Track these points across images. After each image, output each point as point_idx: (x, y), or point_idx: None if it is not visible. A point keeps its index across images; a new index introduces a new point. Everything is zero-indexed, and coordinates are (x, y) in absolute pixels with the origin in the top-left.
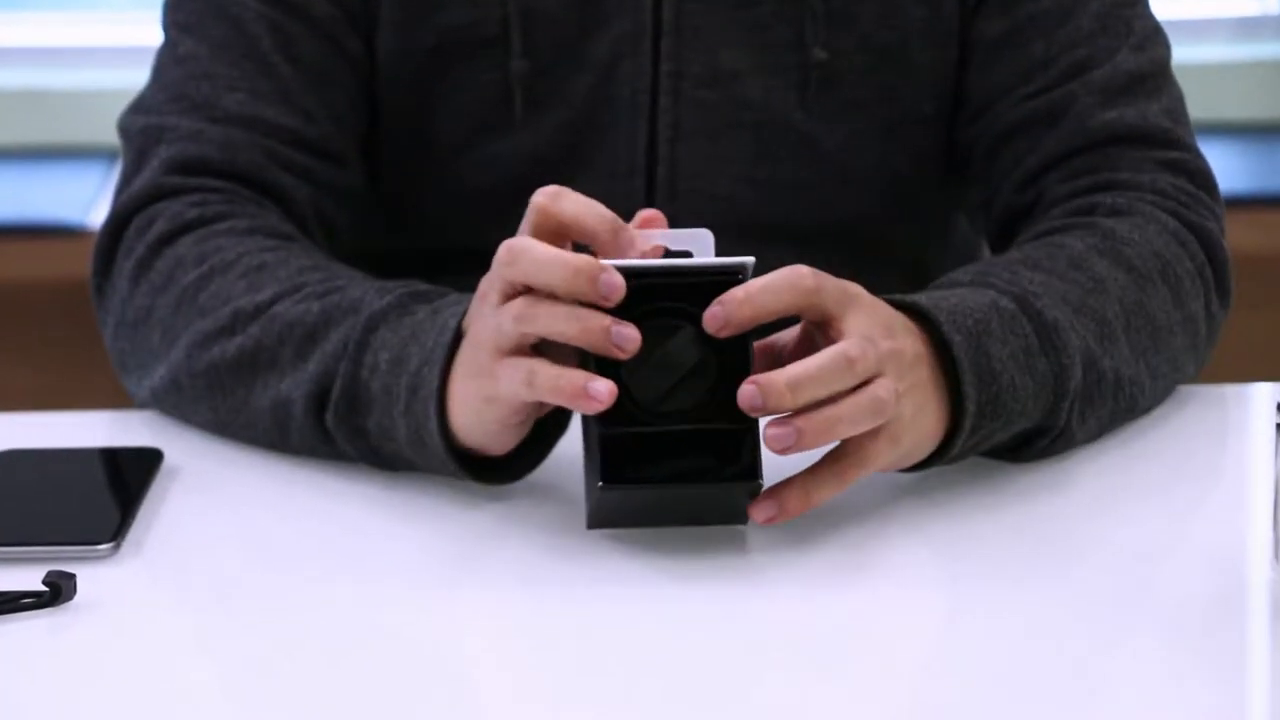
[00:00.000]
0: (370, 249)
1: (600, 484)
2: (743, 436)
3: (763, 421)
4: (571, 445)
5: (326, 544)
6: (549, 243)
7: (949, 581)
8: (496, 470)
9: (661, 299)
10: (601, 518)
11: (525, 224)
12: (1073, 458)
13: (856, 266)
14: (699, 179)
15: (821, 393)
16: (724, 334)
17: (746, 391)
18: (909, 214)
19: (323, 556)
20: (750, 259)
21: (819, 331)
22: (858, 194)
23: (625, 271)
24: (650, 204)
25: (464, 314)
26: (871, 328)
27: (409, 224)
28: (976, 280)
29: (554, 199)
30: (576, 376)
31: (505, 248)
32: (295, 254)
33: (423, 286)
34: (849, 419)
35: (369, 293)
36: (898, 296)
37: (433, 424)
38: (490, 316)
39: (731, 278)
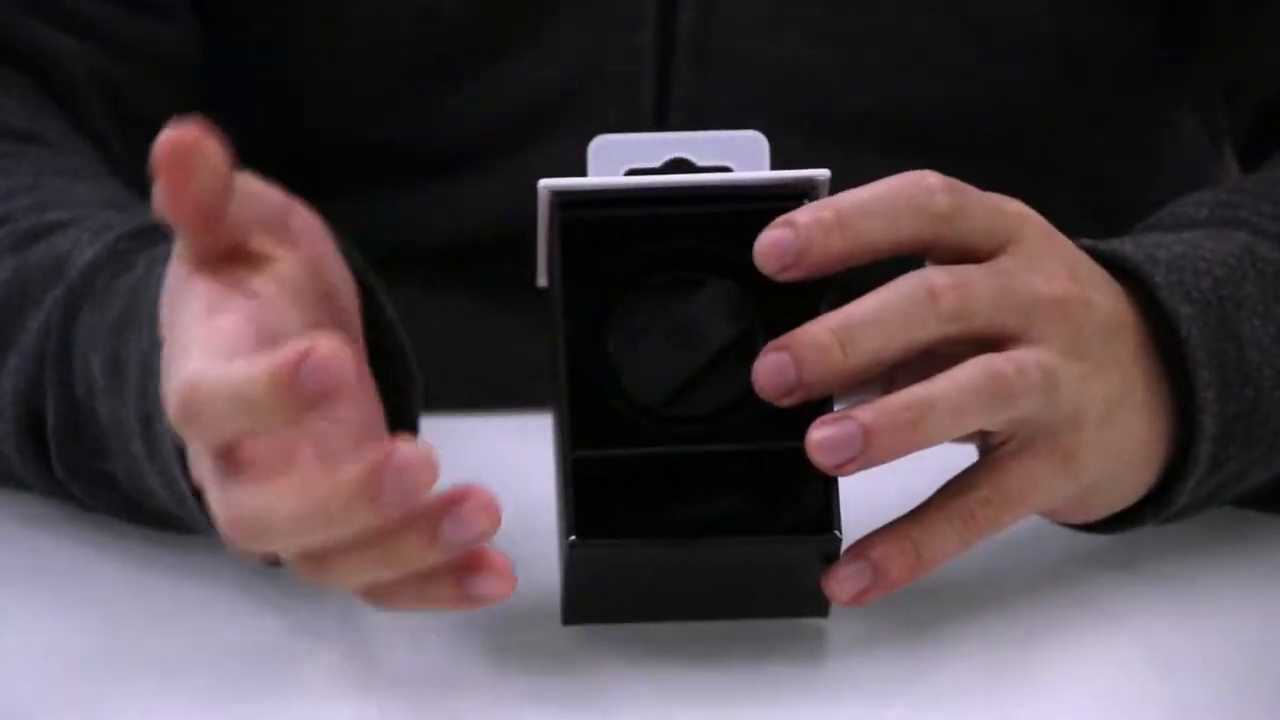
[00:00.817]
0: None
1: (572, 538)
2: (807, 460)
3: None
4: (533, 476)
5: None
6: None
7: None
8: None
9: (678, 236)
10: (579, 601)
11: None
12: None
13: (1006, 187)
14: (745, 33)
15: (890, 344)
16: (788, 276)
17: (768, 364)
18: (1099, 100)
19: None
20: (823, 172)
21: None
22: (1011, 62)
23: (624, 193)
24: (662, 76)
25: None
26: (1035, 266)
27: (274, 106)
28: (1218, 214)
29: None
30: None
31: (176, 393)
32: (14, 165)
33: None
34: (947, 405)
35: (83, 236)
36: (1089, 242)
37: (183, 484)
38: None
39: (792, 203)
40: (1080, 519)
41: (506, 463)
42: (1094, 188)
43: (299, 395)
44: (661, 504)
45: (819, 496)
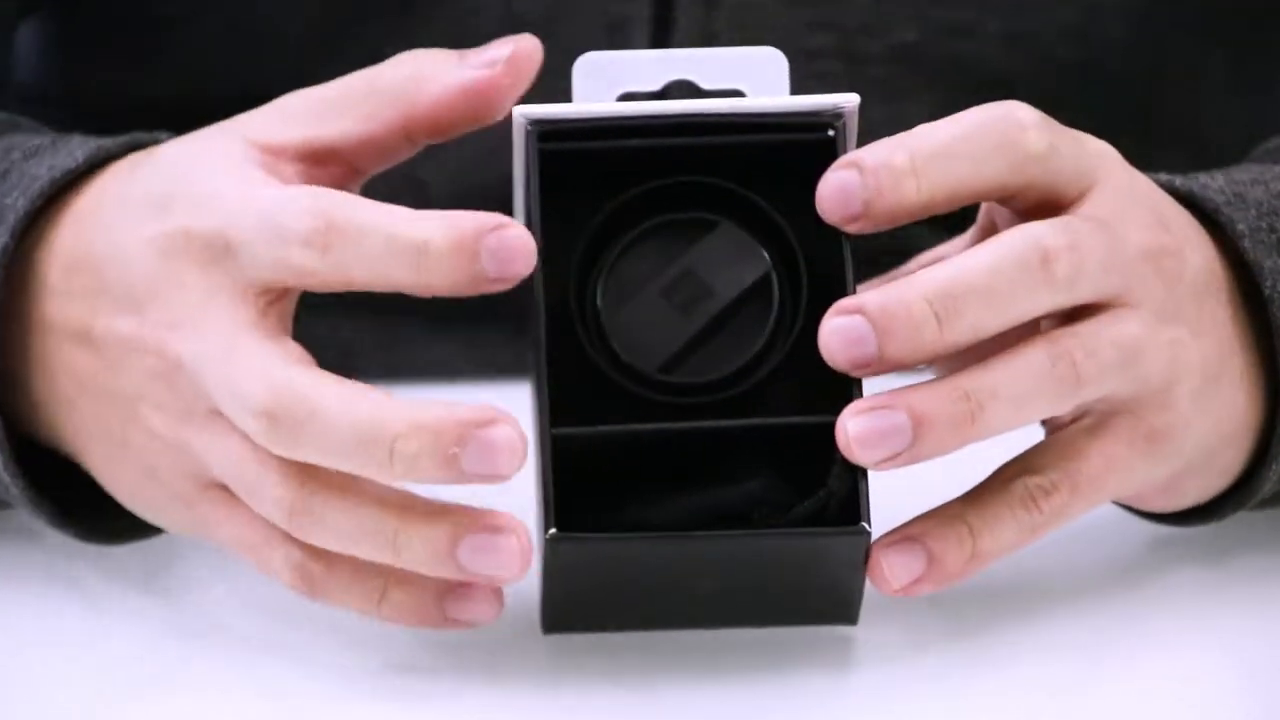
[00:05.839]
0: (69, 100)
1: (551, 532)
2: (831, 439)
3: None
4: None
5: None
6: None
7: None
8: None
9: (678, 172)
10: (562, 606)
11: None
12: None
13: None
14: None
15: (994, 320)
16: (856, 228)
17: (841, 329)
18: (1193, 37)
19: None
20: (850, 99)
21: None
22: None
23: (614, 121)
24: (664, 8)
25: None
26: (1123, 213)
27: (143, 56)
28: None
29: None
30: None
31: (311, 210)
32: None
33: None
34: (1010, 394)
35: None
36: (1167, 177)
37: None
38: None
39: (816, 134)
40: (1167, 506)
41: None
42: (1187, 141)
43: (472, 265)
44: (657, 491)
45: (845, 482)
